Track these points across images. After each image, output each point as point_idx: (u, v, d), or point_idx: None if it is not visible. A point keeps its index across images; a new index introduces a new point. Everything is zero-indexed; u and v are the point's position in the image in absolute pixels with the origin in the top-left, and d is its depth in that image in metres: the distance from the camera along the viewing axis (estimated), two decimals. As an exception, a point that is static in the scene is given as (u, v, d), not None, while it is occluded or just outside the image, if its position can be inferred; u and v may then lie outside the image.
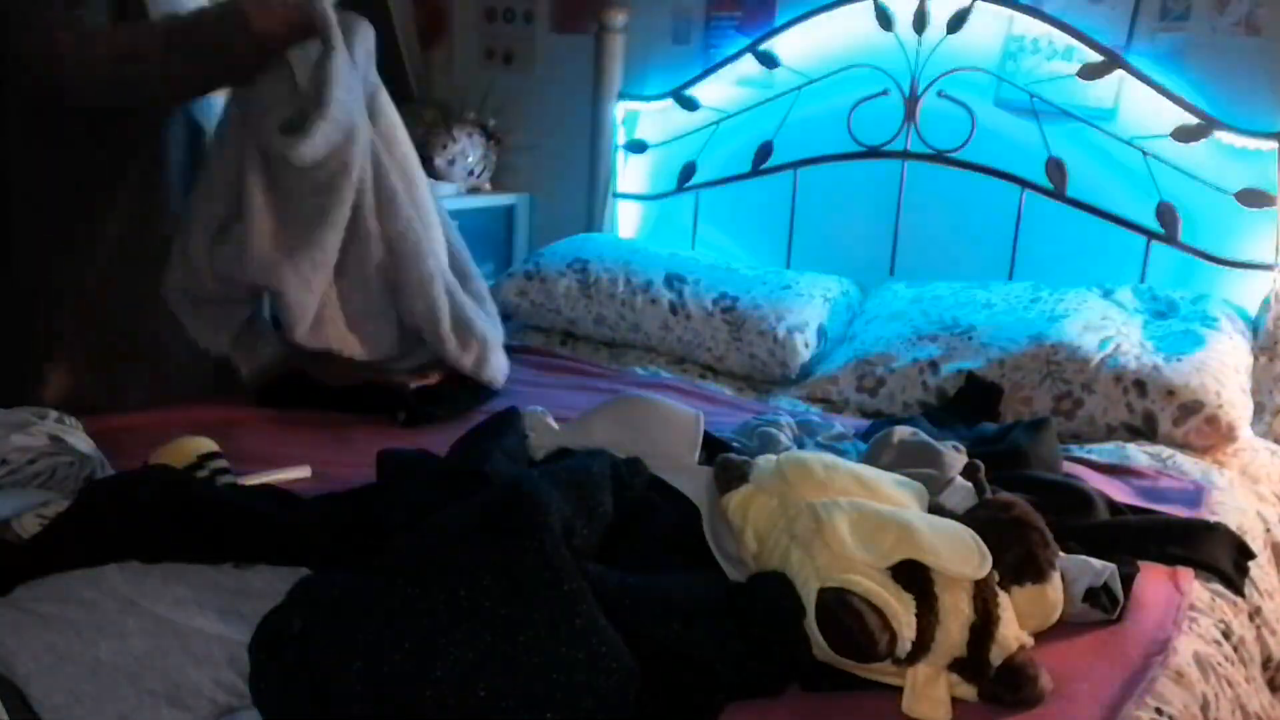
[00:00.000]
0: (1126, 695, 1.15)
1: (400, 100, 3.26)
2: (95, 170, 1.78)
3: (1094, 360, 2.11)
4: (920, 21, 2.66)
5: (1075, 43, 2.51)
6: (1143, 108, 2.49)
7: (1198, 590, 1.45)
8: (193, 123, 1.89)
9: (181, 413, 1.89)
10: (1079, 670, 1.18)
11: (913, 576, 1.07)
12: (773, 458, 1.30)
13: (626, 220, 3.16)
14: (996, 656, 1.08)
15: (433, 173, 3.06)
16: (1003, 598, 1.11)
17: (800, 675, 1.11)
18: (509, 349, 2.49)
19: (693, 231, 3.05)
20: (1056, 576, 1.19)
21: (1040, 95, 2.58)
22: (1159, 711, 1.13)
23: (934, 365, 2.21)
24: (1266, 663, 1.51)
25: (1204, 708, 1.21)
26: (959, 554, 1.09)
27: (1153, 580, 1.41)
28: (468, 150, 3.09)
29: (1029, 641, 1.13)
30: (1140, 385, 2.06)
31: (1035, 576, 1.16)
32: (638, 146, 3.10)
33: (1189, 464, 1.94)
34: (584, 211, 3.13)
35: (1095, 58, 2.50)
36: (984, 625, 1.07)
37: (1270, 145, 2.36)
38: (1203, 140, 2.41)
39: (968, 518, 1.19)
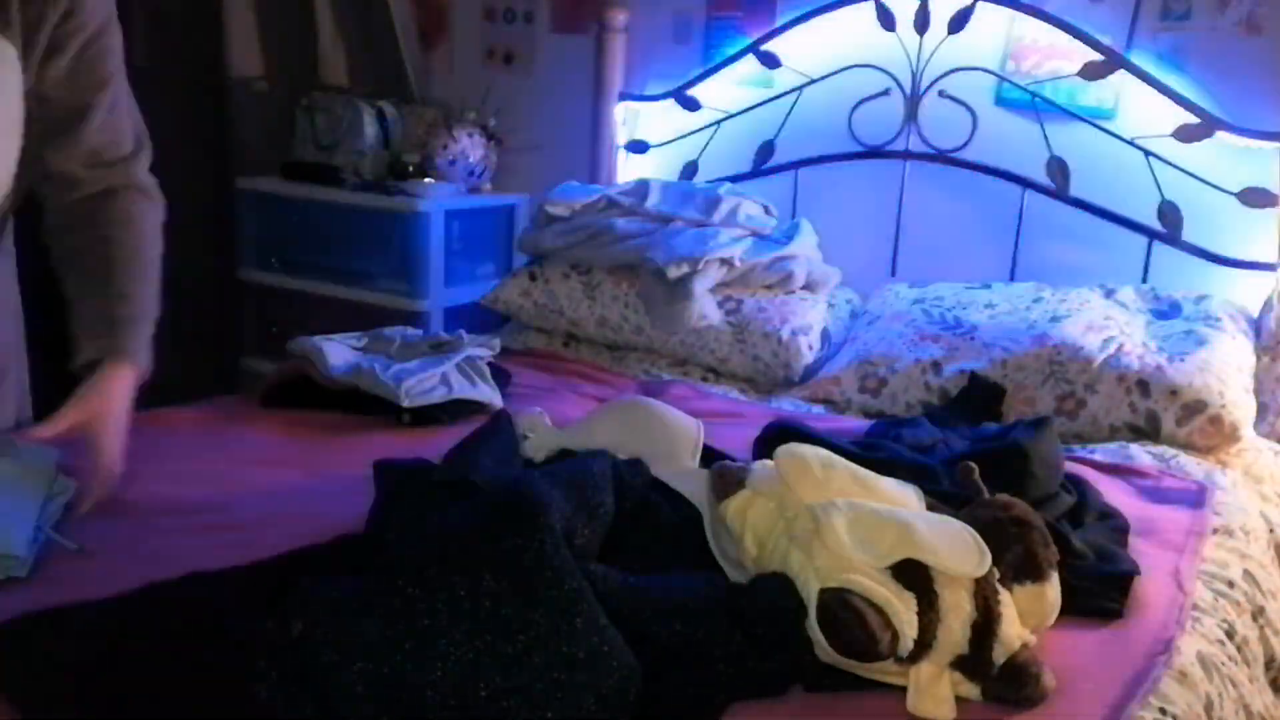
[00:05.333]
0: (1130, 695, 1.14)
1: (401, 100, 3.28)
2: None
3: (1096, 360, 2.10)
4: (921, 21, 2.66)
5: (1076, 42, 2.51)
6: (1144, 107, 2.49)
7: (1200, 590, 1.44)
8: None
9: (182, 413, 1.90)
10: (1082, 670, 1.18)
11: (913, 575, 1.07)
12: (769, 462, 1.30)
13: (628, 221, 3.15)
14: (999, 654, 1.08)
15: (433, 173, 3.07)
16: (1004, 595, 1.11)
17: (803, 675, 1.10)
18: (514, 353, 2.50)
19: (694, 232, 3.04)
20: (1055, 576, 1.18)
21: (1041, 95, 2.58)
22: (1162, 711, 1.13)
23: (936, 365, 2.21)
24: (1270, 663, 1.50)
25: (1207, 708, 1.21)
26: (958, 552, 1.08)
27: (1156, 580, 1.41)
28: (468, 150, 3.08)
29: (1032, 640, 1.13)
30: (1143, 385, 2.05)
31: (1035, 576, 1.16)
32: (639, 147, 3.09)
33: (1192, 464, 1.94)
34: (585, 212, 3.13)
35: (1096, 57, 2.50)
36: (986, 623, 1.07)
37: (1272, 145, 2.36)
38: (1204, 140, 2.41)
39: (968, 517, 1.19)
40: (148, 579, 1.19)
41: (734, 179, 2.91)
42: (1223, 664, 1.31)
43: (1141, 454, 1.96)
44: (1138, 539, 1.54)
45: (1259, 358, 2.24)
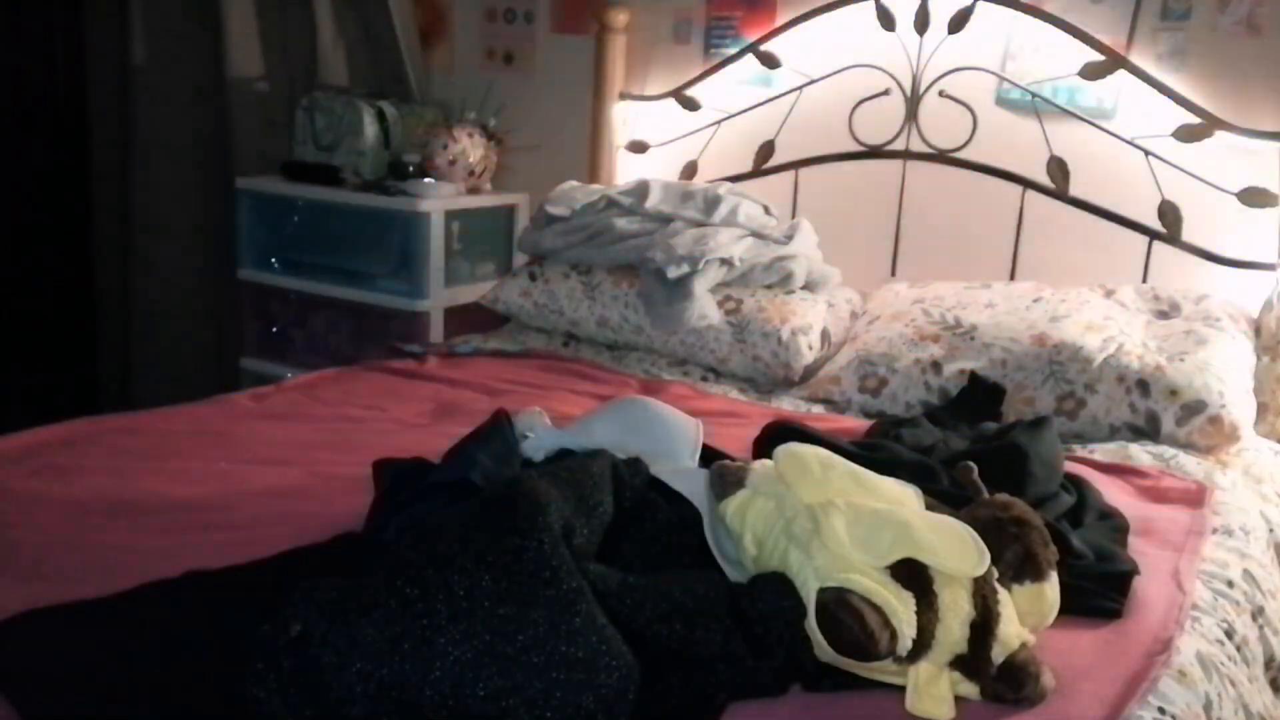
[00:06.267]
0: (1129, 694, 1.14)
1: (401, 100, 3.28)
2: None
3: (1096, 360, 2.10)
4: (922, 21, 2.66)
5: (1077, 42, 2.51)
6: (1144, 107, 2.49)
7: (1200, 590, 1.44)
8: None
9: (182, 413, 1.90)
10: (1082, 669, 1.18)
11: (911, 575, 1.07)
12: (768, 461, 1.29)
13: (628, 221, 3.15)
14: (998, 654, 1.08)
15: (433, 173, 3.06)
16: (1003, 595, 1.11)
17: (802, 675, 1.10)
18: (510, 352, 2.49)
19: (694, 232, 3.04)
20: (1054, 575, 1.18)
21: (1041, 94, 2.58)
22: (1162, 711, 1.13)
23: (936, 365, 2.21)
24: (1269, 662, 1.50)
25: (1207, 707, 1.20)
26: (957, 551, 1.09)
27: (1155, 580, 1.41)
28: (468, 150, 3.08)
29: (1031, 639, 1.13)
30: (1143, 385, 2.05)
31: (1035, 575, 1.16)
32: (639, 147, 3.10)
33: (1192, 464, 1.94)
34: (585, 212, 3.13)
35: (1097, 57, 2.50)
36: (985, 622, 1.07)
37: (1272, 145, 2.36)
38: (1204, 140, 2.41)
39: (968, 516, 1.19)
40: (147, 578, 1.19)
41: (734, 179, 2.91)
42: (1222, 663, 1.30)
43: (1141, 454, 1.96)
44: (1137, 539, 1.54)
45: (1259, 358, 2.24)
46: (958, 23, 2.62)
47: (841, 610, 1.05)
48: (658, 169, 3.06)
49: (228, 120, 3.22)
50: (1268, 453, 2.08)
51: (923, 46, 2.68)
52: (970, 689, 1.09)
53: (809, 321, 2.43)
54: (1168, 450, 1.98)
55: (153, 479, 1.55)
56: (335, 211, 3.11)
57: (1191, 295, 2.36)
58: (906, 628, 1.05)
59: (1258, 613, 1.51)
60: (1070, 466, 1.76)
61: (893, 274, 2.79)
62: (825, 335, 2.45)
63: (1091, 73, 2.51)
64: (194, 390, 2.38)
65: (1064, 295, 2.34)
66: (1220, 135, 2.40)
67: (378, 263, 3.08)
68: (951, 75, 2.65)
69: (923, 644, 1.05)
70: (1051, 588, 1.17)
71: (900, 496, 1.23)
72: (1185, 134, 2.43)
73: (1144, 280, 2.51)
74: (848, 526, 1.11)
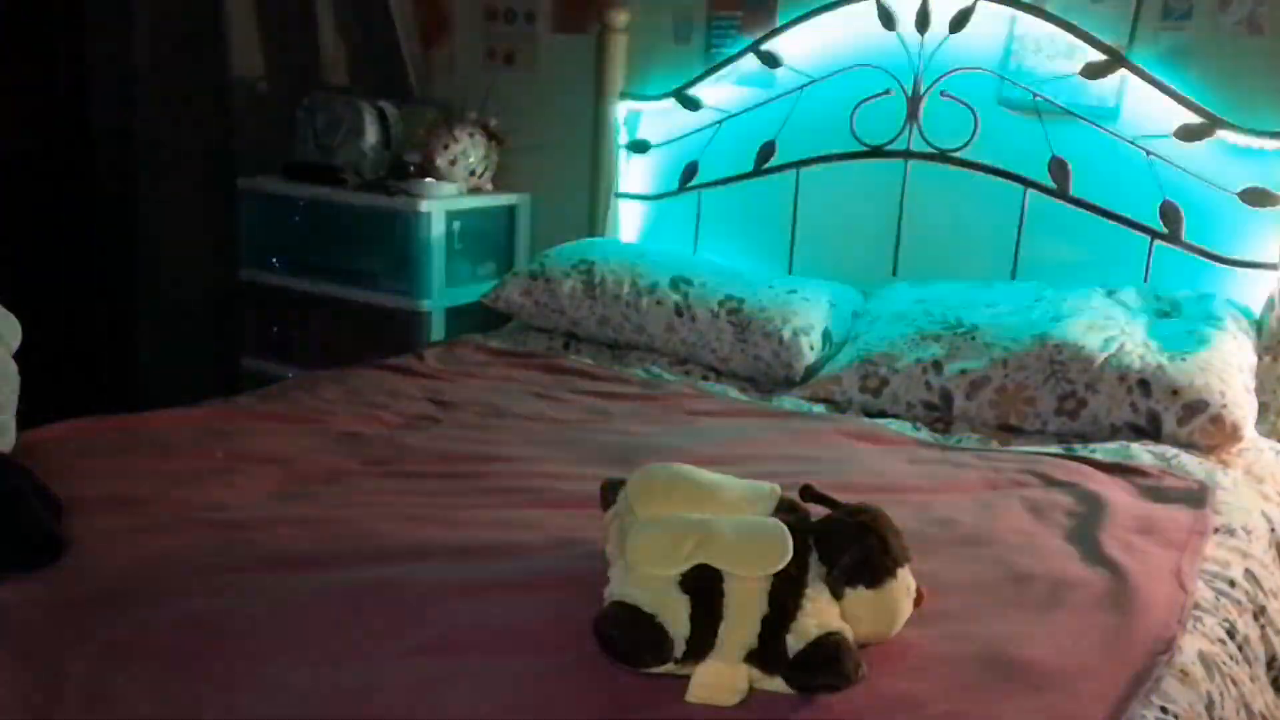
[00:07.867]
0: (1131, 694, 1.14)
1: (401, 100, 3.29)
2: None
3: (1098, 360, 2.10)
4: (923, 21, 2.65)
5: (1078, 42, 2.51)
6: (1145, 107, 2.48)
7: (1202, 589, 1.44)
8: None
9: (182, 413, 1.90)
10: (1084, 668, 1.18)
11: (701, 580, 1.10)
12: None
13: (629, 220, 3.15)
14: (793, 644, 1.09)
15: (434, 173, 3.07)
16: (814, 591, 1.13)
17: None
18: (510, 352, 2.49)
19: (695, 231, 3.05)
20: (894, 584, 1.17)
21: (1043, 94, 2.58)
22: (1164, 710, 1.13)
23: (937, 365, 2.21)
24: (1271, 662, 1.50)
25: (1209, 707, 1.20)
26: (753, 555, 1.11)
27: (1157, 579, 1.41)
28: (469, 150, 3.08)
29: (843, 628, 1.12)
30: (1144, 385, 2.05)
31: (868, 581, 1.16)
32: (640, 146, 3.09)
33: (1193, 464, 1.93)
34: (586, 212, 3.13)
35: (1098, 57, 2.49)
36: (779, 617, 1.09)
37: (1273, 144, 2.36)
38: (1205, 139, 2.41)
39: (821, 522, 1.20)
40: (145, 577, 1.19)
41: (735, 179, 2.91)
42: (1224, 663, 1.30)
43: (1143, 453, 1.96)
44: (1140, 538, 1.54)
45: (1260, 357, 2.24)
46: (959, 22, 2.62)
47: (605, 624, 1.08)
48: (659, 168, 3.07)
49: (228, 120, 3.22)
50: (1269, 452, 2.08)
51: (924, 46, 2.67)
52: (772, 683, 1.10)
53: (810, 321, 2.43)
54: (1169, 450, 1.98)
55: (153, 478, 1.55)
56: (336, 211, 3.11)
57: (1193, 295, 2.36)
58: (679, 627, 1.08)
59: (1259, 612, 1.51)
60: (1072, 466, 1.76)
61: (894, 273, 2.78)
62: (827, 335, 2.45)
63: (1092, 72, 2.50)
64: (195, 390, 2.38)
65: (1065, 295, 2.34)
66: (1221, 135, 2.39)
67: (378, 263, 3.08)
68: (953, 75, 2.65)
69: (704, 644, 1.08)
70: (887, 595, 1.17)
71: (741, 501, 1.24)
72: (1186, 134, 2.42)
73: (1145, 280, 2.50)
74: (653, 542, 1.13)
